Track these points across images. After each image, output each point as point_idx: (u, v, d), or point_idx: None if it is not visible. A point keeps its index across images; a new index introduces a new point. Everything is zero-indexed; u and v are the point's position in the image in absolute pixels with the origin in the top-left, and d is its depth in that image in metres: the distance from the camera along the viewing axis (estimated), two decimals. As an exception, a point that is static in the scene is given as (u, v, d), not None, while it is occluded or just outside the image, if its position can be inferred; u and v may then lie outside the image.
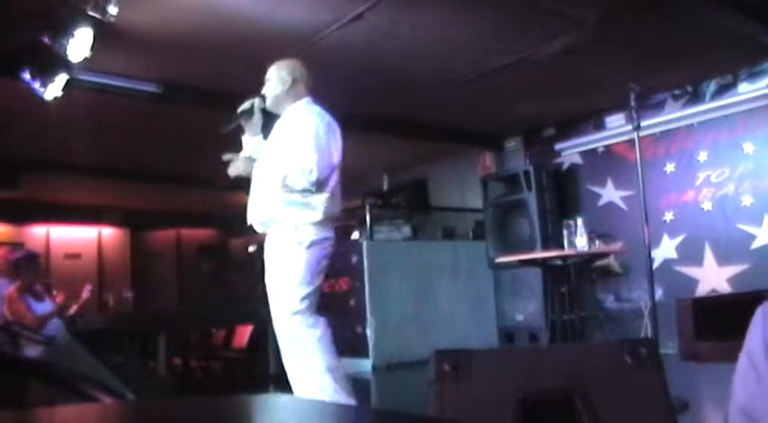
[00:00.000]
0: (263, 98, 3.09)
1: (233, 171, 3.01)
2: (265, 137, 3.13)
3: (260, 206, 3.00)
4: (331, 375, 2.82)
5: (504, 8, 4.02)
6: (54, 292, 5.38)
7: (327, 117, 3.00)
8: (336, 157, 2.94)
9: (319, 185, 2.85)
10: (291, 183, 2.82)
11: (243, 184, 3.18)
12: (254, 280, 7.61)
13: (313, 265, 2.91)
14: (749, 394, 0.88)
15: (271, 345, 5.75)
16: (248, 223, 3.11)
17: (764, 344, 0.88)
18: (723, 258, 5.39)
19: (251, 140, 3.11)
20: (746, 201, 5.30)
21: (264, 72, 3.14)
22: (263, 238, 3.10)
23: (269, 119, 3.14)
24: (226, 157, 3.02)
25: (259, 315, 6.19)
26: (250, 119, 3.07)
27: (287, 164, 2.83)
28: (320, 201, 2.90)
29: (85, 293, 5.45)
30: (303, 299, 2.86)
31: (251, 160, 2.99)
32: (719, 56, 5.03)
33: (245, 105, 3.07)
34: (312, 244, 2.90)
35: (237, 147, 3.15)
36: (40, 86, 4.12)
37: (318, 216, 2.90)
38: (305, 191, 2.84)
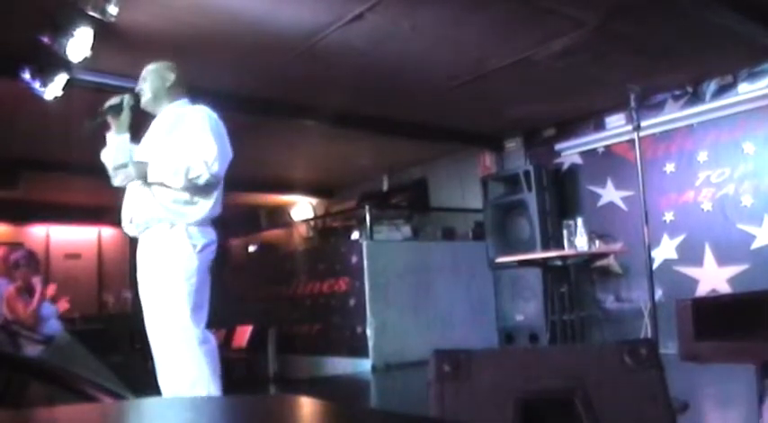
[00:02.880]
0: (135, 95, 2.94)
1: (123, 180, 2.81)
2: (136, 137, 2.98)
3: (140, 206, 2.83)
4: (216, 387, 2.71)
5: (504, 9, 4.02)
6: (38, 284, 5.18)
7: (214, 114, 2.90)
8: (230, 152, 2.85)
9: (218, 179, 2.76)
10: (194, 176, 2.69)
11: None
12: (254, 280, 7.60)
13: (203, 272, 2.78)
14: None
15: (271, 345, 5.77)
16: (123, 226, 2.95)
17: None
18: (723, 258, 5.39)
19: (116, 139, 2.93)
20: (746, 201, 5.30)
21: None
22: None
23: (137, 118, 3.00)
24: (114, 167, 2.84)
25: (259, 315, 6.21)
26: (118, 116, 2.90)
27: (187, 158, 2.70)
28: (207, 199, 2.80)
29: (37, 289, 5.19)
30: (195, 309, 2.73)
31: (144, 164, 2.77)
32: (719, 56, 5.03)
33: (114, 100, 2.91)
34: (204, 247, 2.78)
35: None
36: (40, 86, 4.12)
37: (204, 213, 2.79)
38: (207, 185, 2.73)
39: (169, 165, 2.72)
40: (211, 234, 2.85)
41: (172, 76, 2.98)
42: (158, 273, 2.78)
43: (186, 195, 2.76)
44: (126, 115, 2.92)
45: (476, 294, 6.60)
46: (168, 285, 2.74)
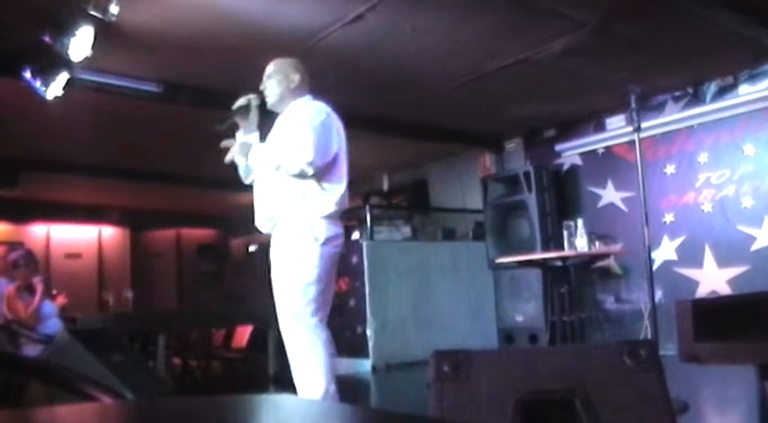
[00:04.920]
0: (261, 95, 3.00)
1: (229, 156, 2.90)
2: (263, 136, 3.03)
3: (269, 203, 2.92)
4: (326, 379, 2.77)
5: (505, 9, 4.02)
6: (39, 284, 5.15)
7: (328, 109, 2.93)
8: (335, 145, 2.86)
9: (317, 170, 2.77)
10: (287, 167, 2.75)
11: (234, 180, 3.13)
12: (254, 280, 7.59)
13: (326, 264, 2.80)
14: None
15: (271, 345, 5.76)
16: (256, 223, 3.02)
17: None
18: (723, 260, 5.39)
19: (245, 138, 2.99)
20: (747, 202, 5.30)
21: (265, 72, 3.10)
22: (266, 239, 3.05)
23: (265, 117, 3.07)
24: (224, 143, 2.92)
25: (259, 315, 6.20)
26: (246, 116, 2.97)
27: (282, 150, 2.79)
28: (334, 193, 2.84)
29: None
30: (312, 300, 2.76)
31: (248, 145, 2.88)
32: (720, 57, 5.03)
33: (242, 102, 2.98)
34: (327, 240, 2.80)
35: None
36: (41, 86, 4.12)
37: (331, 208, 2.83)
38: (301, 175, 2.76)
39: (271, 164, 2.81)
40: (336, 228, 2.87)
41: (297, 77, 3.01)
42: (282, 265, 2.83)
43: (311, 189, 2.81)
44: (254, 115, 2.98)
45: (476, 295, 6.59)
46: (290, 277, 2.79)
